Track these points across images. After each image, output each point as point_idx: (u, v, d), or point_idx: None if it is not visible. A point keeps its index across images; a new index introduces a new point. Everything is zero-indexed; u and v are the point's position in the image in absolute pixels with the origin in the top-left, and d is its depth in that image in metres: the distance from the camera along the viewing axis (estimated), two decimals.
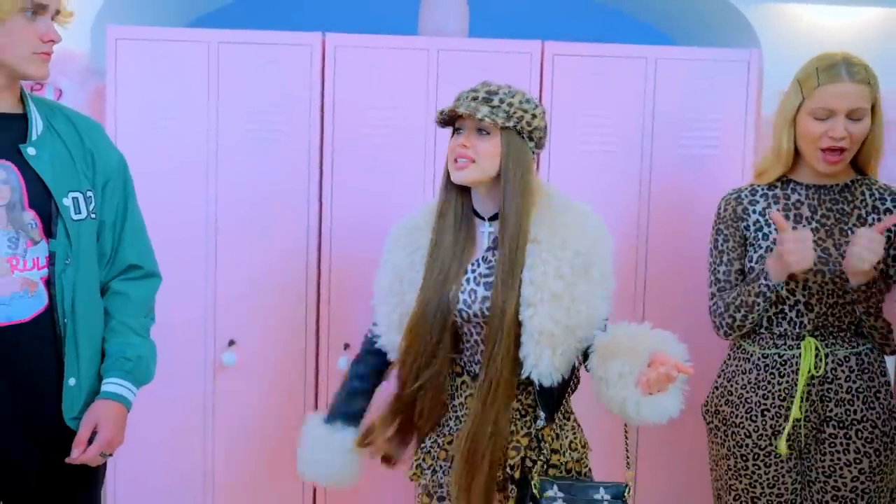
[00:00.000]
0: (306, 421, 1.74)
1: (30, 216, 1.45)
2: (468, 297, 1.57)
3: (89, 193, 1.52)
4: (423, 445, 1.70)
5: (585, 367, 1.56)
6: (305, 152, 2.26)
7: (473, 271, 1.59)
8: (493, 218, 1.61)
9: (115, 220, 1.58)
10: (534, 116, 1.56)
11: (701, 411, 1.90)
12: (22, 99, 1.50)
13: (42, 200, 1.45)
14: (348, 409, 1.69)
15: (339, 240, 2.26)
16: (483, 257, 1.60)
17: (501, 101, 1.53)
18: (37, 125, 1.48)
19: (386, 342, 1.65)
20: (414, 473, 1.68)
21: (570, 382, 1.59)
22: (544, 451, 1.58)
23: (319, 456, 1.68)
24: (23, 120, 1.48)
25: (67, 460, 1.45)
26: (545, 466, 1.58)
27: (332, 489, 2.29)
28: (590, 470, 1.66)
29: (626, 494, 1.55)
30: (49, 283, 1.46)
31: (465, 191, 1.61)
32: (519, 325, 1.51)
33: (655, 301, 2.30)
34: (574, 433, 1.64)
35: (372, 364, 1.71)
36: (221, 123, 2.24)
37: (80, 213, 1.49)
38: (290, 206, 2.28)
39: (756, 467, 1.76)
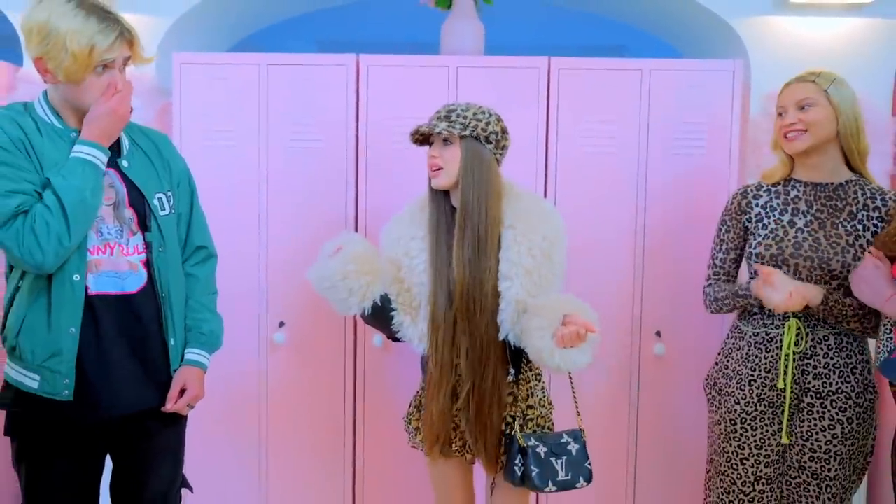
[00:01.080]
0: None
1: (129, 213, 1.72)
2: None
3: (169, 193, 1.80)
4: (421, 411, 1.95)
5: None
6: (343, 157, 2.47)
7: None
8: None
9: (186, 211, 1.88)
10: (487, 123, 1.81)
11: (703, 385, 2.10)
12: None
13: (137, 200, 1.73)
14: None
15: (373, 233, 2.40)
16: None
17: (458, 115, 1.81)
18: (125, 143, 1.76)
19: (396, 321, 1.89)
20: (421, 438, 1.93)
21: None
22: (521, 406, 1.86)
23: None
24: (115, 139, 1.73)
25: (163, 409, 1.76)
26: (524, 419, 1.86)
27: (370, 463, 2.59)
28: (552, 424, 1.94)
29: (582, 436, 1.88)
30: (148, 265, 1.74)
31: (446, 194, 1.88)
32: (497, 295, 1.78)
33: (651, 284, 2.47)
34: (543, 392, 1.94)
35: None
36: (271, 133, 2.47)
37: (164, 210, 1.78)
38: (330, 206, 2.49)
39: (744, 430, 1.94)
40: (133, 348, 1.72)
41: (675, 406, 2.50)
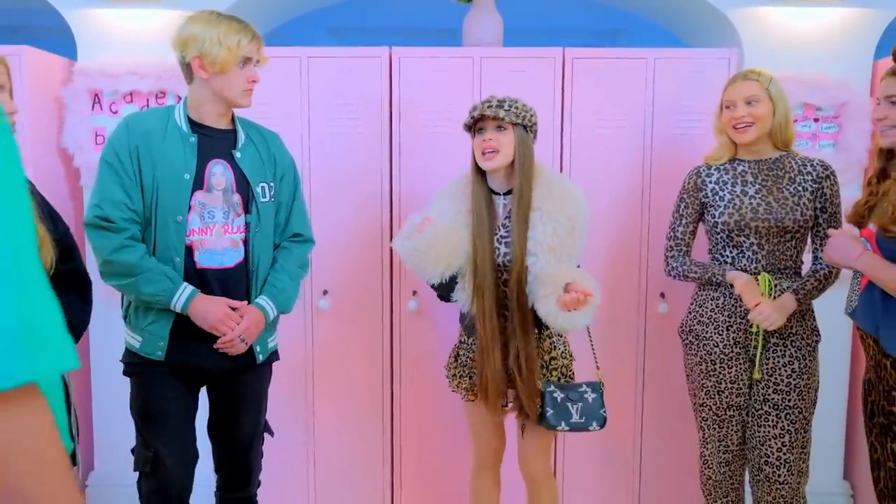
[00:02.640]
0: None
1: (236, 197, 1.98)
2: (496, 253, 2.04)
3: (271, 184, 2.05)
4: (459, 360, 2.19)
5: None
6: (378, 139, 2.66)
7: (496, 233, 2.06)
8: (507, 193, 2.07)
9: (288, 201, 2.12)
10: (532, 115, 2.06)
11: (677, 331, 2.35)
12: (233, 120, 2.05)
13: (243, 187, 1.99)
14: None
15: (407, 207, 2.64)
16: (502, 223, 2.07)
17: (510, 105, 2.02)
18: (241, 137, 2.03)
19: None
20: (458, 383, 2.18)
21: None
22: (545, 358, 2.09)
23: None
24: (233, 134, 2.03)
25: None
26: (548, 369, 2.09)
27: (406, 420, 2.85)
28: (573, 373, 2.16)
29: (601, 387, 2.10)
30: (245, 242, 1.99)
31: (484, 176, 2.08)
32: (525, 269, 2.00)
33: (656, 251, 2.69)
34: (565, 346, 2.16)
35: None
36: (312, 119, 2.66)
37: (265, 197, 2.02)
38: (367, 184, 2.68)
39: (721, 368, 2.22)
40: None
41: (677, 357, 2.70)
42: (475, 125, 2.07)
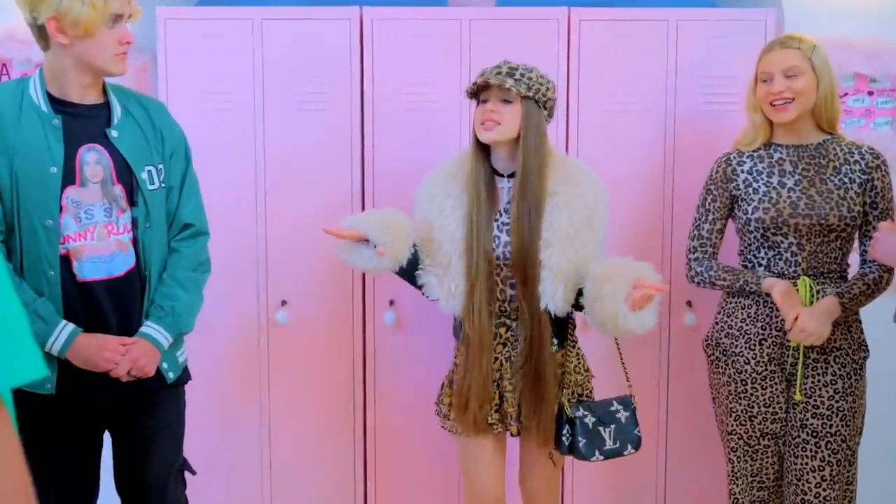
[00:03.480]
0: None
1: (118, 189, 1.74)
2: (495, 242, 1.88)
3: (160, 166, 1.81)
4: (452, 387, 1.94)
5: (580, 294, 1.85)
6: (347, 118, 2.41)
7: (497, 220, 1.89)
8: (511, 175, 1.90)
9: (177, 185, 1.84)
10: (548, 89, 1.88)
11: (702, 345, 2.14)
12: (104, 90, 1.78)
13: (125, 175, 1.75)
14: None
15: (381, 201, 2.37)
16: (505, 209, 1.90)
17: (522, 74, 1.84)
18: (117, 111, 1.77)
19: (423, 281, 1.93)
20: (446, 414, 1.95)
21: (571, 314, 1.93)
22: (556, 372, 1.90)
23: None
24: (106, 108, 1.77)
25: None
26: (559, 386, 1.89)
27: (381, 448, 2.48)
28: (591, 391, 1.98)
29: (633, 402, 1.95)
30: (135, 243, 1.77)
31: (487, 154, 1.91)
32: (538, 264, 1.80)
33: (682, 252, 2.34)
34: (579, 359, 1.98)
35: None
36: (267, 94, 2.40)
37: (153, 184, 1.78)
38: (334, 171, 2.43)
39: (754, 389, 2.01)
40: (122, 330, 1.77)
41: (707, 377, 2.37)
42: (479, 93, 1.90)
